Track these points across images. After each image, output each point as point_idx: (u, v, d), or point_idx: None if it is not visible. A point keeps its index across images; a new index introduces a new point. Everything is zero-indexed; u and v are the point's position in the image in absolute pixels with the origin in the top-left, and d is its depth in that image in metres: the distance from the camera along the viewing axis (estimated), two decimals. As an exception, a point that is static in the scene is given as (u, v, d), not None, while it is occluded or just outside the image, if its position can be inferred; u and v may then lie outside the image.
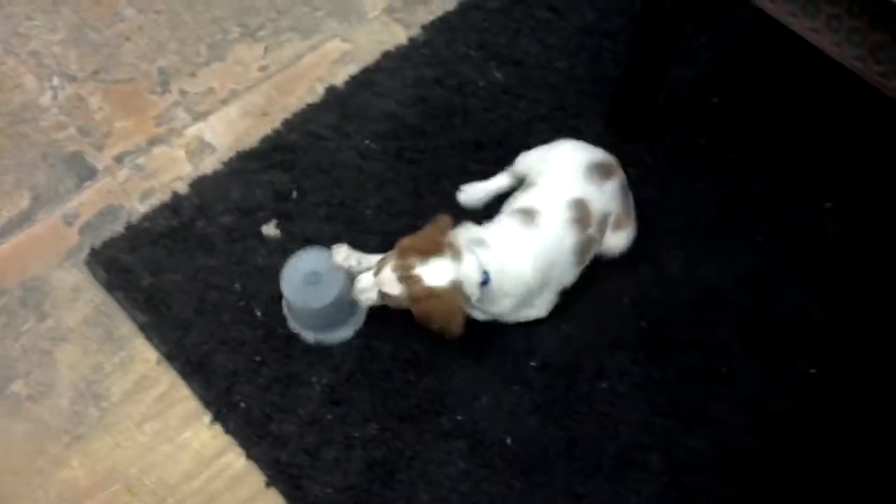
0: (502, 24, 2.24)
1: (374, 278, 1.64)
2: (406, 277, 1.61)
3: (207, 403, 1.75)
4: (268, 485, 1.68)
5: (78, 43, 2.15)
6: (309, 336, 1.76)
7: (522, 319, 1.80)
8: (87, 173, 2.01)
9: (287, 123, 2.09)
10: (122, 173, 2.01)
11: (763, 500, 1.66)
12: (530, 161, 1.87)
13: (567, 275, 1.79)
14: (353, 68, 2.16)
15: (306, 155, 2.05)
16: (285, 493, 1.66)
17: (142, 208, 1.97)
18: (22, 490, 1.65)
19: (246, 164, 2.04)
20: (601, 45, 2.20)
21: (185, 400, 1.75)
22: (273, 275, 1.79)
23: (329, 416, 1.75)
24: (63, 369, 1.78)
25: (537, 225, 1.73)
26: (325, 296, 1.73)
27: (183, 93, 2.11)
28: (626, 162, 1.88)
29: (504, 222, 1.75)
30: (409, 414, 1.76)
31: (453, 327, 1.64)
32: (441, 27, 2.22)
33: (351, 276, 1.70)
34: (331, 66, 2.15)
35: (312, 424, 1.74)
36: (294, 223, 1.95)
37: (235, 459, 1.70)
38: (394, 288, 1.62)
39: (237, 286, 1.87)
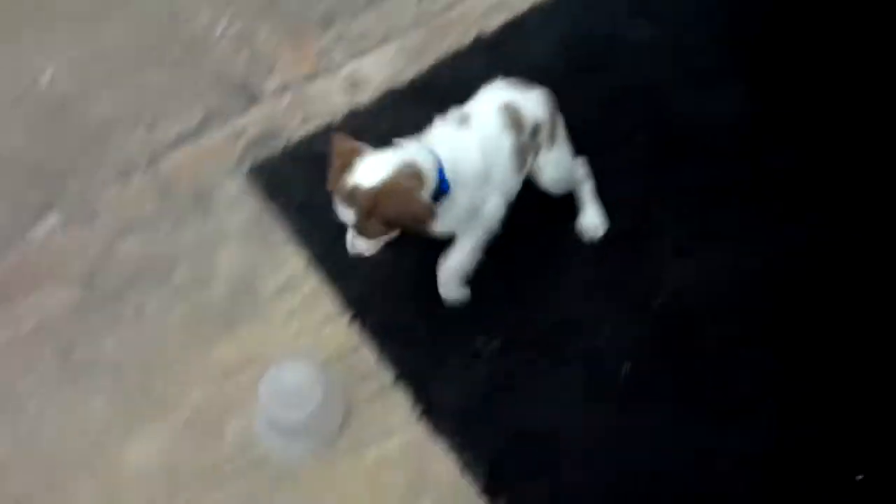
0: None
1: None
2: (347, 197, 1.62)
3: (347, 305, 2.01)
4: (395, 382, 1.92)
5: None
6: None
7: (474, 236, 1.87)
8: (252, 98, 2.33)
9: (438, 65, 2.35)
10: (284, 101, 2.32)
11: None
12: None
13: (509, 180, 1.86)
14: (504, 17, 2.40)
15: (454, 95, 2.30)
16: (409, 391, 1.90)
17: (300, 132, 2.26)
18: (176, 363, 1.95)
19: (397, 100, 2.31)
20: (750, 8, 2.35)
21: (327, 301, 2.01)
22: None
23: (456, 328, 1.98)
24: (221, 265, 2.08)
25: (472, 126, 1.82)
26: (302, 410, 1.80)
27: (343, 32, 2.41)
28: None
29: (438, 127, 1.83)
30: (531, 336, 1.96)
31: (420, 215, 1.65)
32: (591, -18, 2.44)
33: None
34: (483, 14, 2.40)
35: (442, 334, 1.97)
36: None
37: (368, 356, 1.95)
38: (349, 216, 1.65)
39: (380, 206, 2.13)
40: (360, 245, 1.75)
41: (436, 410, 1.86)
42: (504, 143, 1.83)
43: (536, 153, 1.91)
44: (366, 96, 2.30)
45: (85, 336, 1.97)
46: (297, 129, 2.26)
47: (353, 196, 1.61)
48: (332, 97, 2.30)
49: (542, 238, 2.08)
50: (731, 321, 1.93)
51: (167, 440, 1.83)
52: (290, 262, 2.06)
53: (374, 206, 1.61)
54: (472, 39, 2.38)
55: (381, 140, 2.09)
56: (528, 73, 2.17)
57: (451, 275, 1.91)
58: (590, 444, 1.81)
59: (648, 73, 2.29)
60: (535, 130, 1.88)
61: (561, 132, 1.96)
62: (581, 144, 2.11)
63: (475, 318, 1.96)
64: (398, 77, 2.32)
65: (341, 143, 1.70)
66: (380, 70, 2.33)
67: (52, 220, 2.14)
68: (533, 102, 1.89)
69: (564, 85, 2.19)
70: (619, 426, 1.84)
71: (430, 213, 1.65)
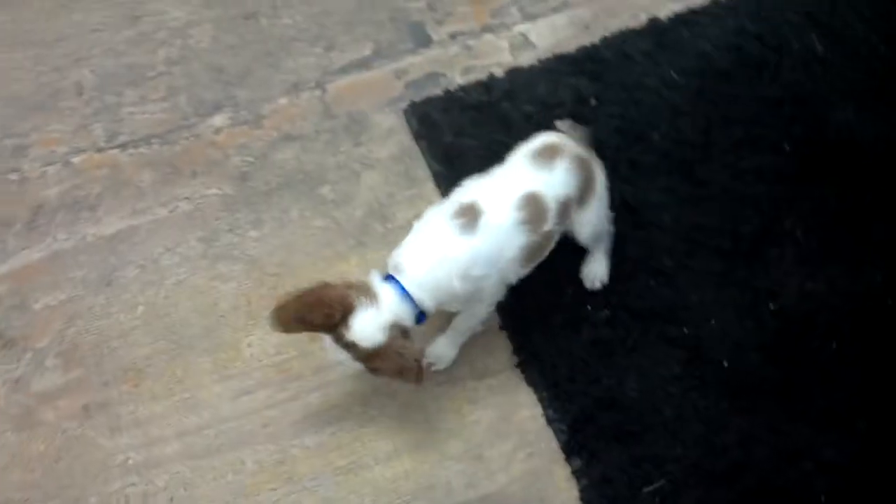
0: (831, -3, 2.43)
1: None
2: (347, 346, 1.63)
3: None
4: (501, 328, 2.02)
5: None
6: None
7: (474, 317, 1.86)
8: (423, 41, 2.46)
9: (604, 41, 2.42)
10: (452, 49, 2.44)
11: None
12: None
13: (513, 274, 1.79)
14: (678, 6, 2.45)
15: (614, 71, 2.37)
16: (512, 338, 2.00)
17: (460, 81, 2.38)
18: (305, 269, 2.11)
19: (558, 66, 2.39)
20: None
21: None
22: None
23: (569, 292, 2.06)
24: (363, 188, 2.23)
25: (478, 231, 1.69)
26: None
27: (521, -6, 2.50)
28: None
29: (434, 226, 1.73)
30: (640, 313, 2.03)
31: (408, 379, 1.68)
32: (771, -12, 2.45)
33: None
34: (658, 1, 2.45)
35: (552, 292, 2.05)
36: (587, 125, 2.28)
37: (480, 301, 2.05)
38: (343, 356, 1.67)
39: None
40: (340, 356, 1.69)
41: (533, 362, 1.95)
42: (515, 242, 1.72)
43: (563, 227, 1.82)
44: (529, 58, 2.39)
45: (230, 228, 2.15)
46: (457, 77, 2.37)
47: (350, 347, 1.64)
48: (498, 54, 2.41)
49: (674, 226, 2.12)
50: (842, 336, 1.94)
51: (284, 336, 1.98)
52: (426, 199, 2.18)
53: (369, 360, 1.65)
54: (642, 23, 2.42)
55: (537, 101, 2.20)
56: (690, 64, 2.22)
57: (445, 348, 1.91)
58: (677, 423, 1.87)
59: (810, 86, 2.29)
60: (564, 208, 1.77)
61: (596, 188, 1.85)
62: (728, 141, 2.18)
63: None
64: (562, 46, 2.40)
65: (329, 290, 1.65)
66: (547, 36, 2.42)
67: (222, 118, 2.32)
68: (561, 178, 1.75)
69: (725, 81, 2.28)
70: (710, 411, 1.90)
71: (418, 373, 1.68)
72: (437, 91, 2.34)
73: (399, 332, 1.64)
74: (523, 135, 2.08)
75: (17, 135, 2.28)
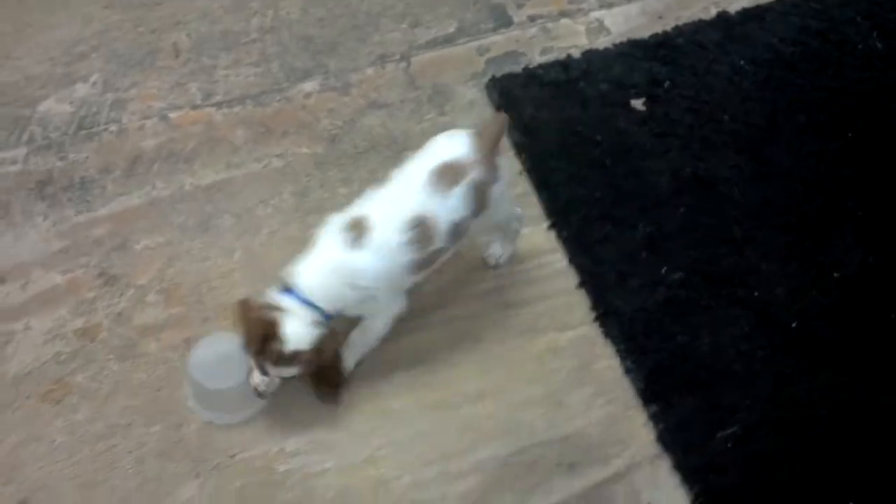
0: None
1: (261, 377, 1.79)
2: (282, 360, 1.75)
3: (549, 213, 2.26)
4: (578, 287, 2.16)
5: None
6: (204, 415, 1.92)
7: (379, 325, 1.93)
8: (504, 22, 2.62)
9: (677, 29, 2.58)
10: (531, 30, 2.60)
11: None
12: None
13: (405, 283, 1.87)
14: (746, 2, 2.61)
15: (686, 57, 2.53)
16: (589, 297, 2.13)
17: (539, 59, 2.53)
18: None
19: (633, 51, 2.55)
20: None
21: (532, 206, 2.27)
22: (629, 137, 2.33)
23: (644, 256, 2.20)
24: (446, 154, 2.36)
25: (364, 246, 1.76)
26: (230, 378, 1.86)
27: (598, -16, 2.67)
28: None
29: (327, 245, 1.80)
30: (712, 276, 2.16)
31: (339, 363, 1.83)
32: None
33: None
34: (729, -5, 2.62)
35: (628, 257, 2.19)
36: (659, 105, 2.43)
37: (559, 261, 2.19)
38: (272, 380, 1.81)
39: (598, 138, 2.38)
40: (265, 384, 1.82)
41: (611, 318, 2.07)
42: (401, 260, 1.79)
43: (458, 244, 1.88)
44: (604, 42, 2.54)
45: (320, 184, 2.29)
46: (536, 56, 2.52)
47: (292, 358, 1.75)
48: (574, 37, 2.57)
49: (743, 200, 2.27)
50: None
51: None
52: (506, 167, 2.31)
53: (311, 362, 1.77)
54: (713, 15, 2.58)
55: (612, 81, 2.35)
56: (758, 55, 2.39)
57: (355, 353, 1.95)
58: (747, 377, 1.99)
59: (871, 81, 2.46)
60: (456, 229, 1.82)
61: (497, 196, 1.89)
62: (793, 127, 2.36)
63: (666, 250, 2.17)
64: (636, 33, 2.56)
65: (252, 312, 1.76)
66: (621, 24, 2.59)
67: (312, 85, 2.47)
68: (454, 207, 1.79)
69: (791, 72, 2.47)
70: (779, 368, 2.02)
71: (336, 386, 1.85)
72: (516, 68, 2.49)
73: (326, 329, 1.77)
74: (598, 113, 2.24)
75: (118, 89, 2.43)
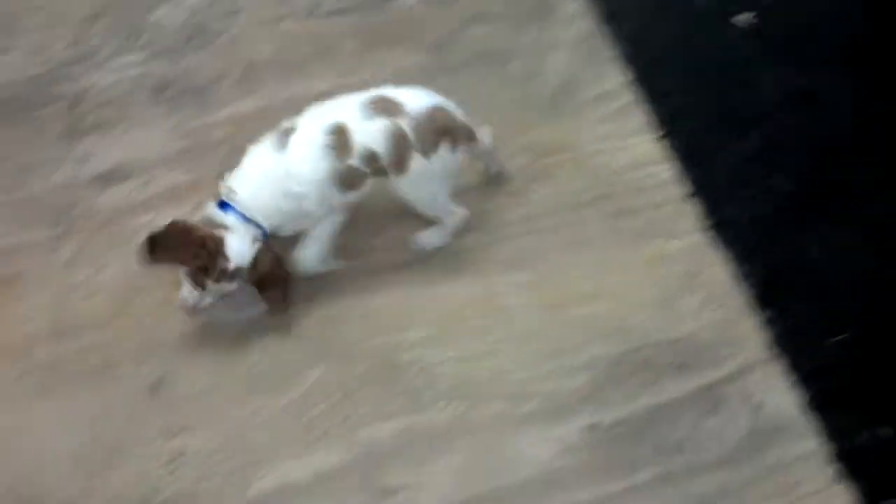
0: None
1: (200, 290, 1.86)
2: (227, 275, 1.83)
3: (660, 124, 2.28)
4: (689, 196, 2.18)
5: None
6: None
7: (320, 234, 1.98)
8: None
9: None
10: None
11: None
12: None
13: (331, 198, 1.89)
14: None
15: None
16: (701, 206, 2.16)
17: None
18: (501, 134, 2.24)
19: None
20: None
21: (639, 117, 2.29)
22: (736, 51, 2.36)
23: (755, 166, 2.22)
24: (550, 66, 2.39)
25: (288, 148, 1.84)
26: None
27: None
28: None
29: (257, 150, 1.89)
30: (823, 187, 2.18)
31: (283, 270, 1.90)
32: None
33: None
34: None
35: (740, 167, 2.21)
36: (766, 19, 2.44)
37: (665, 171, 2.22)
38: (205, 296, 1.88)
39: (705, 50, 2.40)
40: (197, 298, 1.88)
41: (724, 226, 2.10)
42: (321, 164, 1.84)
43: (381, 176, 1.91)
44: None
45: (428, 93, 2.31)
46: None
47: (233, 275, 1.83)
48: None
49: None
50: None
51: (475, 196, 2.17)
52: (611, 78, 2.35)
53: (255, 278, 1.86)
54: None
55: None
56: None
57: (310, 261, 2.00)
58: (860, 284, 2.04)
59: None
60: (370, 158, 1.86)
61: (411, 166, 1.90)
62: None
63: (776, 162, 2.20)
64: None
65: (194, 231, 1.83)
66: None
67: (414, -3, 2.49)
68: (372, 133, 1.85)
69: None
70: (890, 275, 2.06)
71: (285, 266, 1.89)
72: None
73: (262, 244, 1.83)
74: (706, 24, 2.25)
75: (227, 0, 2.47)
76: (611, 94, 2.32)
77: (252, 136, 2.05)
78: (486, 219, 2.14)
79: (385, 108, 1.84)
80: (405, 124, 1.85)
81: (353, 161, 1.84)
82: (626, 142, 2.24)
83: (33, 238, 2.07)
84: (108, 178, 2.14)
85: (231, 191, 1.83)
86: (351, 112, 1.84)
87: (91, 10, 2.45)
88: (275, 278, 1.87)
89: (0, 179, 2.16)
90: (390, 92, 1.88)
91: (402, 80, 2.22)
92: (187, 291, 1.86)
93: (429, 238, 2.07)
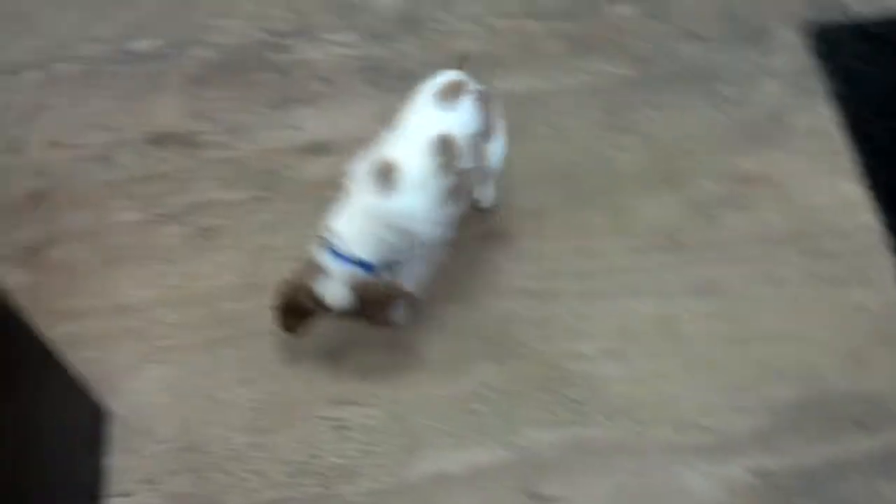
0: None
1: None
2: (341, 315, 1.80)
3: (866, 169, 2.22)
4: (891, 249, 2.08)
5: None
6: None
7: (421, 262, 1.90)
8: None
9: None
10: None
11: None
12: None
13: (444, 219, 1.81)
14: None
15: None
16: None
17: (860, 9, 2.46)
18: (701, 153, 2.26)
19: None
20: None
21: (846, 159, 2.24)
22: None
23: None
24: (760, 94, 2.35)
25: (397, 188, 1.72)
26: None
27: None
28: None
29: (356, 188, 1.76)
30: None
31: (396, 311, 1.82)
32: None
33: None
34: None
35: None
36: None
37: (869, 218, 2.16)
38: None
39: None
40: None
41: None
42: (433, 188, 1.75)
43: (479, 163, 1.85)
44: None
45: (630, 104, 2.31)
46: (860, 7, 2.42)
47: (343, 315, 1.80)
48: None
49: None
50: None
51: (674, 210, 2.17)
52: (822, 115, 2.28)
53: (361, 314, 1.80)
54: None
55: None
56: None
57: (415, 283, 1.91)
58: None
59: None
60: (476, 142, 1.81)
61: (498, 123, 1.91)
62: None
63: None
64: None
65: (290, 293, 1.81)
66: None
67: (630, 8, 2.49)
68: (467, 115, 1.80)
69: None
70: None
71: (406, 300, 1.83)
72: (837, 15, 2.42)
73: (361, 279, 1.74)
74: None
75: (444, -8, 2.52)
76: (819, 132, 2.24)
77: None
78: (677, 240, 2.11)
79: (453, 89, 1.79)
80: (474, 88, 1.82)
81: (463, 163, 1.77)
82: (831, 182, 2.17)
83: (236, 197, 2.17)
84: (313, 150, 2.23)
85: (334, 234, 1.77)
86: (438, 115, 1.78)
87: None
88: (378, 306, 1.82)
89: (212, 136, 2.25)
90: (436, 81, 1.83)
91: (603, 88, 2.23)
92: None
93: (488, 191, 2.06)
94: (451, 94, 1.78)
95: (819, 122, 2.26)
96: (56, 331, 1.94)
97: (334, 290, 1.75)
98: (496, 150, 1.92)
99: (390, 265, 1.80)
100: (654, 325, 1.98)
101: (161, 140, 2.29)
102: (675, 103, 2.28)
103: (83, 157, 2.28)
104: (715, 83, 2.34)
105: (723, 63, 2.37)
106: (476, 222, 2.09)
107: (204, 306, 2.05)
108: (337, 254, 1.74)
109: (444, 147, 1.73)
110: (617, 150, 2.23)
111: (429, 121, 1.76)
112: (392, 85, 2.31)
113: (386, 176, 1.70)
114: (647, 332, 1.97)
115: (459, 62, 1.89)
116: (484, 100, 1.84)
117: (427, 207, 1.74)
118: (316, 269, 1.75)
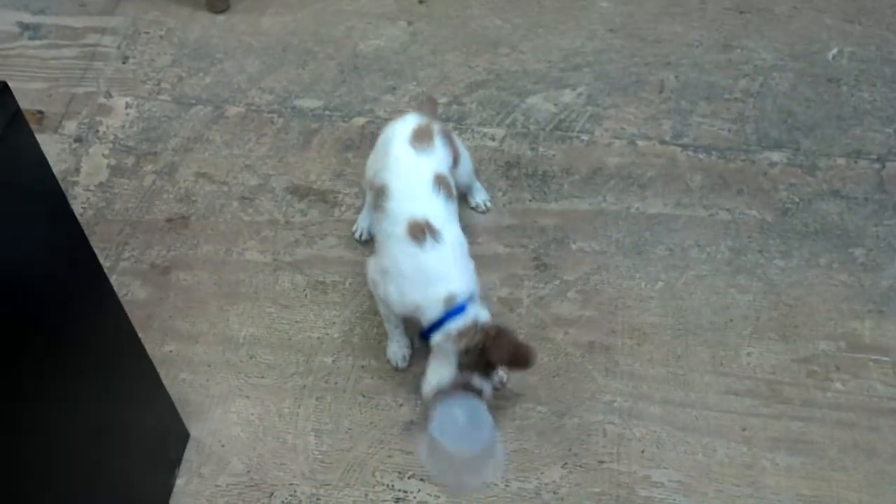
0: None
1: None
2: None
3: None
4: None
5: None
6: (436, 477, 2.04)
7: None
8: None
9: None
10: None
11: None
12: (371, 167, 2.17)
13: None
14: None
15: None
16: None
17: None
18: (820, 313, 2.29)
19: None
20: None
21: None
22: None
23: None
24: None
25: (439, 238, 1.96)
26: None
27: None
28: None
29: (393, 252, 1.98)
30: None
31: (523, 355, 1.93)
32: None
33: None
34: None
35: None
36: None
37: None
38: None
39: None
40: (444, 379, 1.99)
41: None
42: (451, 210, 2.04)
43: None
44: None
45: (759, 249, 2.39)
46: None
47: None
48: None
49: None
50: None
51: (780, 362, 2.22)
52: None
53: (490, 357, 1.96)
54: None
55: None
56: None
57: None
58: None
59: None
60: (451, 168, 2.12)
61: (458, 145, 2.23)
62: None
63: None
64: None
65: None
66: None
67: (780, 155, 2.61)
68: (442, 152, 2.09)
69: None
70: None
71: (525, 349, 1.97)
72: None
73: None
74: None
75: (598, 105, 2.71)
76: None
77: (575, 234, 2.26)
78: (777, 391, 2.15)
79: (423, 133, 2.08)
80: (436, 126, 2.11)
81: (454, 195, 2.06)
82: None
83: (357, 258, 2.37)
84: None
85: (454, 296, 1.95)
86: (423, 161, 2.05)
87: (478, 77, 2.76)
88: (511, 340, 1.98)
89: (348, 198, 2.47)
90: (399, 126, 2.12)
91: (735, 227, 2.32)
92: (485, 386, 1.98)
93: (480, 196, 2.45)
94: (423, 138, 2.06)
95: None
96: (162, 349, 2.16)
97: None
98: (466, 166, 2.27)
99: None
100: (734, 469, 2.01)
101: (302, 192, 2.52)
102: (805, 257, 2.34)
103: (227, 194, 2.53)
104: (850, 244, 2.39)
105: (862, 227, 2.41)
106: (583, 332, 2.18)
107: (301, 354, 2.23)
108: (471, 305, 1.95)
109: (441, 184, 2.01)
110: (736, 291, 2.30)
111: (420, 168, 2.02)
112: (528, 184, 2.52)
113: (419, 234, 1.94)
114: (725, 474, 2.00)
115: (421, 105, 2.29)
116: (446, 133, 2.12)
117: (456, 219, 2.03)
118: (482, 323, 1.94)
